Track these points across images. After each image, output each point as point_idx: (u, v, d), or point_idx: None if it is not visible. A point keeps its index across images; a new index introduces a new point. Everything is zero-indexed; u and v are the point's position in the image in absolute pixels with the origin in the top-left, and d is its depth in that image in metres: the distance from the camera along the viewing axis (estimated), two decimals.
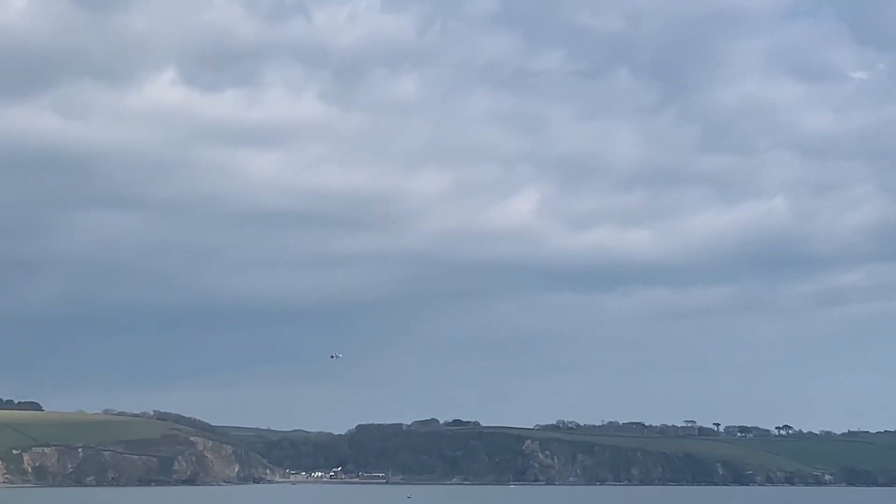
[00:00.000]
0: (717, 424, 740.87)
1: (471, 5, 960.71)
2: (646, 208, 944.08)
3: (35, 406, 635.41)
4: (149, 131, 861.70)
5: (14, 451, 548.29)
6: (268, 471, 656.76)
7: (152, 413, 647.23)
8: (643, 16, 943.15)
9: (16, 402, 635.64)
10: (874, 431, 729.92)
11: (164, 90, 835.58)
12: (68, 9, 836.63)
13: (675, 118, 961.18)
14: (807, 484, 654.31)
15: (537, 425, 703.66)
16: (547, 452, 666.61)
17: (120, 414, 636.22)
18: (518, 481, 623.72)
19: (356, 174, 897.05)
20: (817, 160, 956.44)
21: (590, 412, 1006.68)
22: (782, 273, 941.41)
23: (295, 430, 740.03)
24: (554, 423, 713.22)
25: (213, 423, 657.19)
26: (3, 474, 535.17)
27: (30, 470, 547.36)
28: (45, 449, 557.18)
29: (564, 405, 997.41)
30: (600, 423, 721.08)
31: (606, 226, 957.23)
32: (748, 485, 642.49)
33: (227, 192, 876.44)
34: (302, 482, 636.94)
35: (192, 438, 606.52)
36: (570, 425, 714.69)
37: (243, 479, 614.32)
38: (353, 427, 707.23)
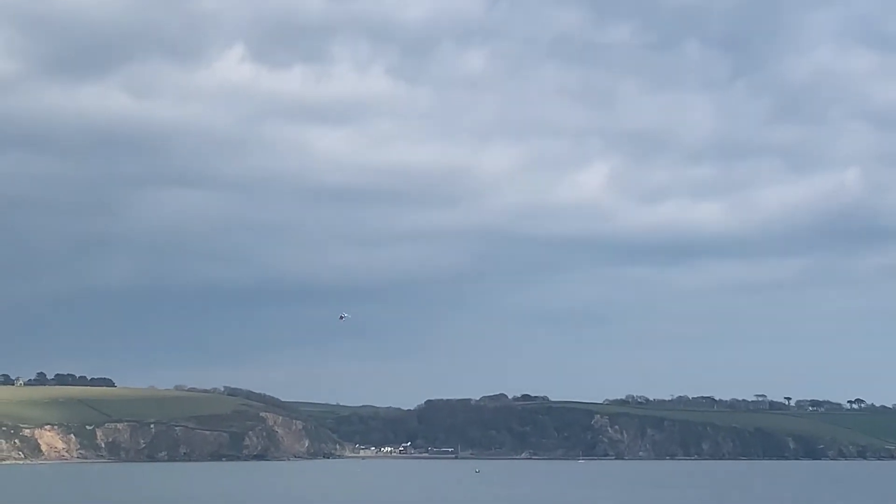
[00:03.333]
0: (788, 398, 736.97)
1: None
2: (717, 181, 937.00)
3: (108, 382, 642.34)
4: (218, 109, 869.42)
5: (87, 427, 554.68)
6: (337, 446, 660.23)
7: (223, 389, 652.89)
8: None
9: (89, 378, 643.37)
10: None
11: (232, 67, 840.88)
12: None
13: (746, 90, 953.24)
14: (879, 458, 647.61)
15: (606, 400, 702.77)
16: (616, 427, 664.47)
17: (191, 390, 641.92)
18: (587, 456, 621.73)
19: (425, 150, 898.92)
20: (890, 131, 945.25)
21: (659, 386, 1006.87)
22: (855, 245, 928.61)
23: (364, 406, 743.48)
24: (623, 397, 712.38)
25: (283, 399, 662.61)
26: (77, 449, 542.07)
27: (103, 445, 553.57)
28: (118, 425, 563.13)
29: (634, 379, 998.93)
30: (670, 398, 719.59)
31: (677, 199, 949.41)
32: (820, 459, 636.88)
33: (296, 169, 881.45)
34: (371, 457, 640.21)
35: (262, 414, 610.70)
36: (639, 400, 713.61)
37: (313, 455, 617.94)
38: (422, 402, 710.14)
